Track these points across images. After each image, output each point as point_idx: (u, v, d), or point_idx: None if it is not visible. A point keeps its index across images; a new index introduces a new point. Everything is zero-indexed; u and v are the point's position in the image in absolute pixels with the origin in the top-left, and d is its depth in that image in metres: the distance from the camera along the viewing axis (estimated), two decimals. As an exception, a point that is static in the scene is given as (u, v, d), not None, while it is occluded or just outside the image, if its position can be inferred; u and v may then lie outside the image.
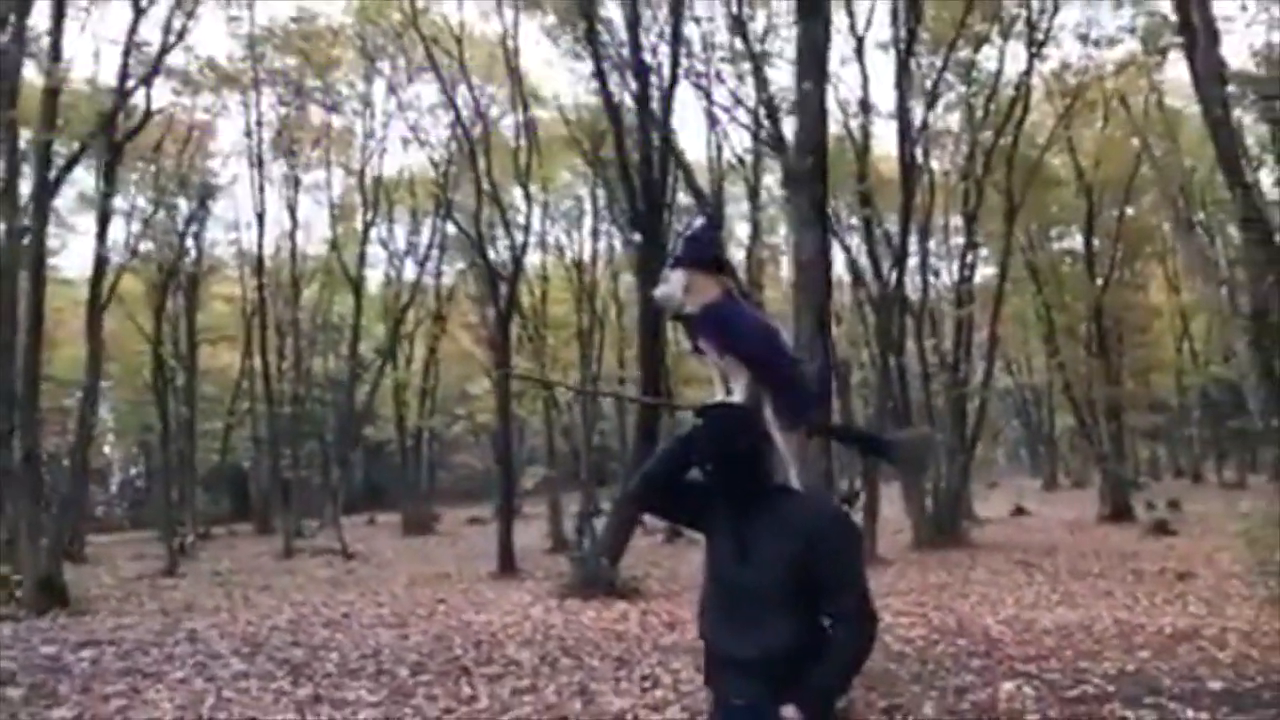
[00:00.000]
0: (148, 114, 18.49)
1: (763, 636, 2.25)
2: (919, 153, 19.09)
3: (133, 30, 16.08)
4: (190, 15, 17.52)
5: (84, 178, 20.51)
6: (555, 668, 7.29)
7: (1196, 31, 10.27)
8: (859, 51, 18.12)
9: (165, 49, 17.23)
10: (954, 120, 21.97)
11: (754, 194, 22.90)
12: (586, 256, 28.96)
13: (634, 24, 14.13)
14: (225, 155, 27.96)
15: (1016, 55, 19.93)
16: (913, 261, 19.48)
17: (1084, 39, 20.87)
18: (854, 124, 18.90)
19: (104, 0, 17.54)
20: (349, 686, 6.73)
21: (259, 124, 25.23)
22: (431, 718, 5.95)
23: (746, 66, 18.45)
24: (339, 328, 32.06)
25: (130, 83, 16.45)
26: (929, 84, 19.32)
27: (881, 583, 11.39)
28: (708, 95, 19.96)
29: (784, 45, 18.97)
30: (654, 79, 14.69)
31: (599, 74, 14.81)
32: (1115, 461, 24.00)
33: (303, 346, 28.68)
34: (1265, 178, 20.77)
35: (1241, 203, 9.85)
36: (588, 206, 28.43)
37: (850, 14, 18.03)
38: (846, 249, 21.50)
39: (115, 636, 9.13)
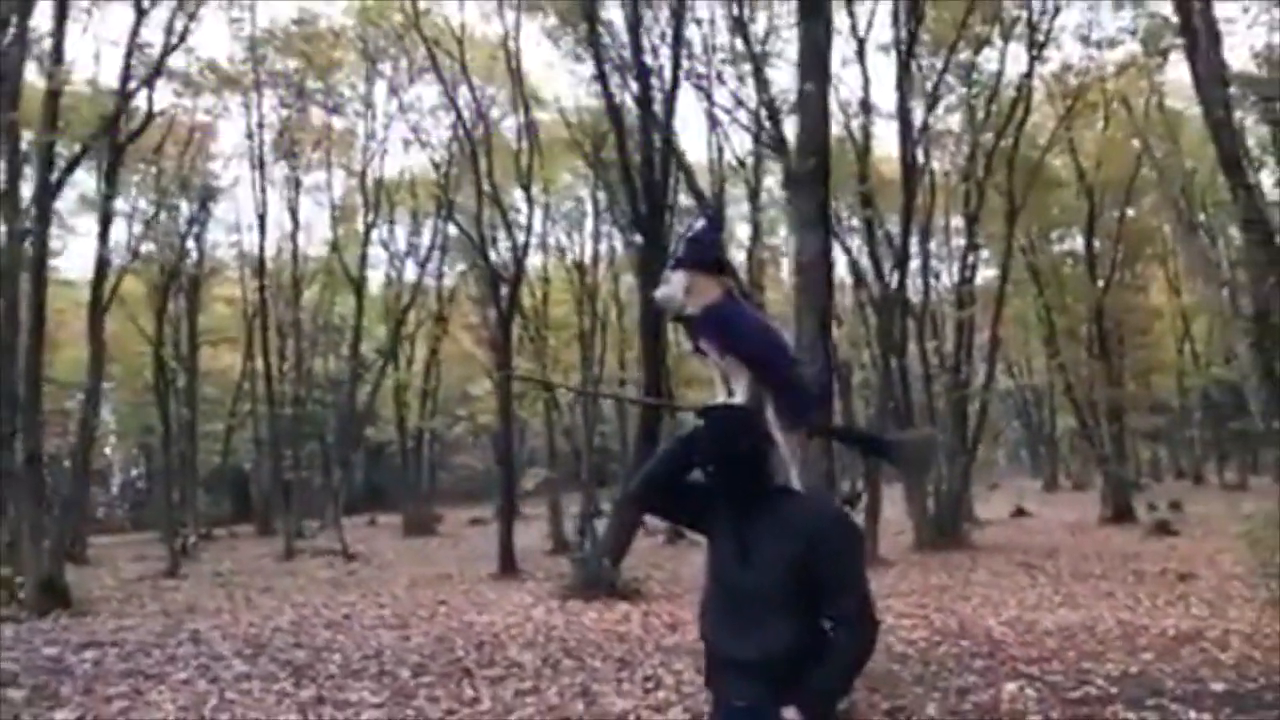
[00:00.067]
0: (149, 116, 18.50)
1: (763, 638, 2.25)
2: (920, 154, 19.10)
3: (134, 32, 16.14)
4: (192, 17, 17.54)
5: (85, 179, 20.57)
6: (557, 669, 7.29)
7: (1198, 33, 10.26)
8: (860, 53, 18.16)
9: (167, 51, 17.27)
10: (955, 121, 22.01)
11: (755, 195, 22.90)
12: (588, 258, 29.03)
13: (635, 26, 14.13)
14: (226, 157, 27.96)
15: (1017, 57, 19.97)
16: (914, 263, 19.47)
17: (1085, 40, 20.93)
18: (855, 125, 18.94)
19: (106, 2, 17.54)
20: (351, 688, 6.73)
21: (260, 126, 25.27)
22: (434, 719, 5.95)
23: (747, 68, 18.46)
24: (340, 329, 32.07)
25: (132, 84, 16.49)
26: (930, 85, 19.34)
27: (883, 584, 11.39)
28: (709, 97, 19.97)
29: (785, 46, 19.03)
30: (655, 81, 14.73)
31: (600, 76, 14.83)
32: (1116, 463, 23.98)
33: (304, 348, 28.67)
34: (1266, 179, 20.81)
35: (1243, 204, 9.84)
36: (589, 208, 28.48)
37: (851, 15, 18.06)
38: (848, 250, 21.51)
39: (117, 638, 9.14)
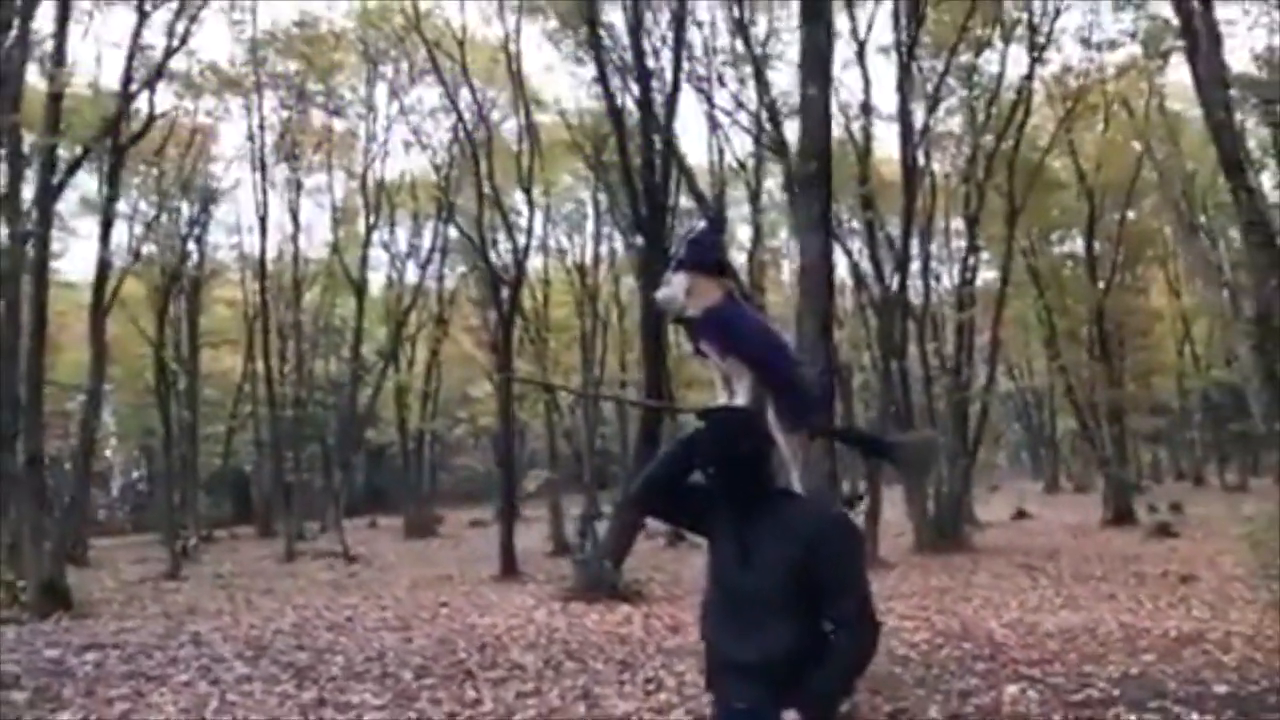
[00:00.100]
0: (151, 118, 18.53)
1: (763, 640, 2.26)
2: (921, 156, 19.12)
3: (136, 34, 16.16)
4: (193, 19, 17.55)
5: (87, 182, 20.60)
6: (559, 671, 7.29)
7: (1198, 35, 10.27)
8: (861, 55, 18.18)
9: (168, 53, 17.30)
10: (955, 123, 22.02)
11: (755, 197, 22.91)
12: (588, 260, 29.06)
13: (636, 28, 14.15)
14: (227, 159, 27.99)
15: (1018, 59, 20.02)
16: (914, 265, 19.47)
17: (1085, 42, 20.95)
18: (856, 127, 18.95)
19: (108, 4, 17.57)
20: (354, 690, 6.73)
21: (261, 128, 25.29)
22: (435, 721, 5.95)
23: (748, 70, 18.52)
24: (341, 331, 32.07)
25: (133, 87, 16.50)
26: (931, 87, 19.35)
27: (884, 586, 11.39)
28: (709, 99, 20.04)
29: (785, 48, 19.07)
30: (656, 83, 14.75)
31: (601, 78, 14.84)
32: (1117, 465, 23.96)
33: (305, 350, 28.68)
34: (1267, 181, 20.81)
35: (1244, 207, 9.84)
36: (589, 210, 28.53)
37: (852, 18, 18.09)
38: (848, 253, 21.52)
39: (118, 640, 9.13)
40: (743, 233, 25.74)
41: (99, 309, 16.43)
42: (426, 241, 29.11)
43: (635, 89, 14.43)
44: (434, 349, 30.59)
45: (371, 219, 27.50)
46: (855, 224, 21.42)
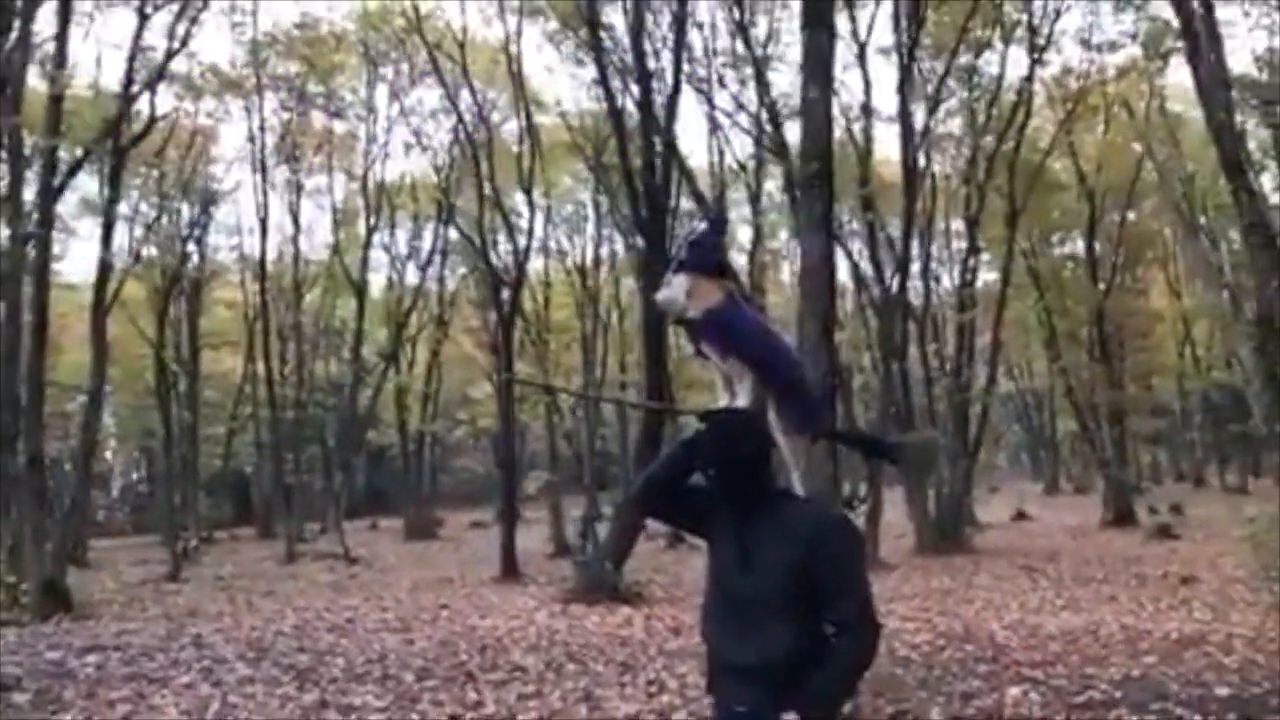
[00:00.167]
0: (151, 120, 18.53)
1: (763, 642, 2.25)
2: (921, 157, 19.13)
3: (137, 36, 16.19)
4: (194, 21, 17.55)
5: (88, 183, 20.63)
6: (560, 673, 7.29)
7: (1199, 36, 10.29)
8: (861, 57, 18.18)
9: (169, 55, 17.31)
10: (956, 125, 22.04)
11: (756, 199, 22.92)
12: (589, 261, 29.04)
13: (637, 30, 14.15)
14: (228, 161, 28.00)
15: (1018, 60, 20.03)
16: (915, 266, 19.48)
17: (1086, 44, 20.98)
18: (856, 129, 18.96)
19: (108, 6, 17.58)
20: (355, 692, 6.73)
21: (262, 129, 25.30)
22: (436, 723, 5.95)
23: (749, 71, 18.52)
24: (341, 332, 32.07)
25: (134, 88, 16.51)
26: (931, 89, 19.37)
27: (885, 588, 11.38)
28: (710, 100, 20.03)
29: (786, 50, 19.06)
30: (656, 84, 14.74)
31: (602, 79, 14.85)
32: (1118, 466, 23.94)
33: (305, 351, 28.66)
34: (1268, 182, 20.80)
35: (1245, 208, 9.85)
36: (590, 211, 28.52)
37: (853, 20, 18.09)
38: (849, 254, 21.52)
39: (120, 641, 9.12)
40: (743, 234, 25.76)
41: (100, 310, 16.45)
42: (427, 243, 29.17)
43: (636, 90, 14.44)
44: (434, 350, 30.59)
45: (372, 220, 27.53)
46: (856, 225, 21.43)
